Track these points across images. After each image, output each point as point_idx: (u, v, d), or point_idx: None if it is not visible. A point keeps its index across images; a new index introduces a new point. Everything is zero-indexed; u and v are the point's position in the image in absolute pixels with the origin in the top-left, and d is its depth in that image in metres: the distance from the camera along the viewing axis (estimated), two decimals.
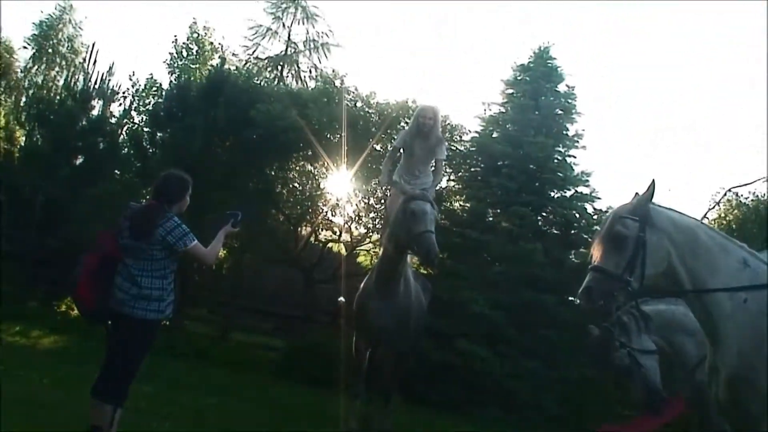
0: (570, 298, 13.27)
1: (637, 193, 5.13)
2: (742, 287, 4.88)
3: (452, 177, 15.84)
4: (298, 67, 28.25)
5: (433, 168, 9.29)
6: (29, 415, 6.20)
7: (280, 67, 27.94)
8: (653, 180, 5.00)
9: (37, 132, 17.27)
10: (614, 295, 4.89)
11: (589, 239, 13.91)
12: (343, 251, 16.77)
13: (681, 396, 6.79)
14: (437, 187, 10.47)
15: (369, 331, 8.35)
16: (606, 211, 13.91)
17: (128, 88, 18.69)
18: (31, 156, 16.24)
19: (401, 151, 9.29)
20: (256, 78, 18.19)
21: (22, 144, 18.60)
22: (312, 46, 28.30)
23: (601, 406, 12.76)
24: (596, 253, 5.04)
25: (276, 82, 24.06)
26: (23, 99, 24.46)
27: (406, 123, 11.82)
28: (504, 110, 15.37)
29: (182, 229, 5.63)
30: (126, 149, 16.88)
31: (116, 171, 16.37)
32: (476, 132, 15.38)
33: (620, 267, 4.83)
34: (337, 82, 15.79)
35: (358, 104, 15.00)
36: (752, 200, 18.40)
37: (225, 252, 16.10)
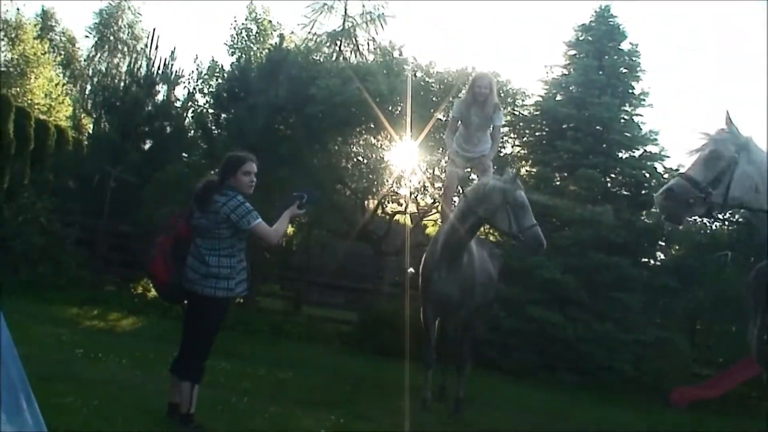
0: (643, 260, 13.13)
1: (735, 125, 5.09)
2: None
3: (517, 142, 15.72)
4: (356, 41, 28.15)
5: (491, 135, 9.25)
6: (110, 397, 6.34)
7: (338, 42, 27.89)
8: (727, 112, 4.99)
9: (104, 119, 17.60)
10: (690, 203, 4.87)
11: None
12: (410, 223, 16.78)
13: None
14: (496, 154, 10.41)
15: (435, 300, 8.35)
16: (677, 169, 13.69)
17: (192, 72, 18.91)
18: (100, 143, 16.54)
19: (459, 121, 9.24)
20: (315, 54, 18.22)
21: (90, 132, 18.97)
22: (369, 18, 28.16)
23: (678, 366, 12.62)
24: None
25: (335, 57, 24.04)
26: (88, 87, 24.97)
27: None
28: (567, 72, 15.19)
29: (245, 207, 5.66)
30: (192, 132, 17.10)
31: (183, 154, 16.59)
32: (540, 96, 15.24)
33: (707, 180, 4.82)
34: (396, 54, 15.72)
35: (418, 74, 14.92)
36: None
37: (293, 228, 16.25)
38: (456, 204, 8.42)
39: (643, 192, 14.22)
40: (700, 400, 11.85)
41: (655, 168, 14.27)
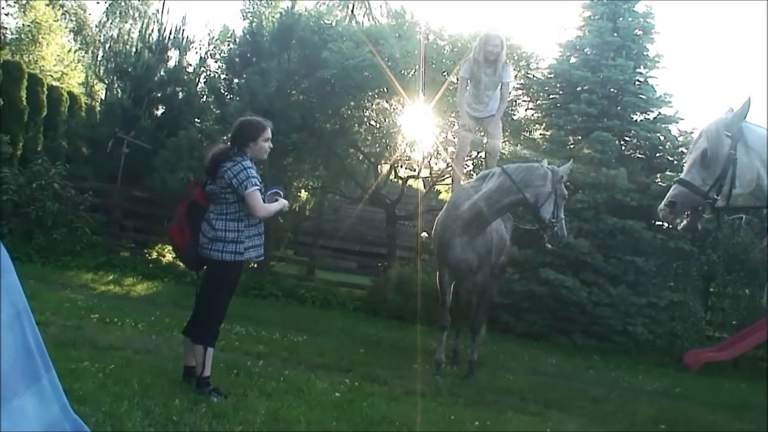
0: (657, 223, 13.11)
1: (731, 109, 4.98)
2: None
3: (530, 106, 15.63)
4: (369, 4, 28.04)
5: (500, 93, 9.27)
6: (126, 361, 6.40)
7: (350, 6, 27.76)
8: (749, 97, 4.82)
9: (117, 85, 17.58)
10: (699, 210, 4.83)
11: (675, 162, 13.68)
12: (423, 188, 16.77)
13: None
14: (508, 116, 10.44)
15: (453, 266, 8.39)
16: (691, 132, 13.62)
17: (203, 37, 18.83)
18: (112, 109, 16.54)
19: (468, 80, 9.24)
20: (326, 18, 18.11)
21: (103, 98, 18.96)
22: None
23: (691, 329, 12.64)
24: (687, 166, 4.97)
25: (347, 21, 23.90)
26: (100, 53, 24.91)
27: None
28: (582, 34, 15.01)
29: (247, 173, 5.67)
30: (204, 98, 17.07)
31: (196, 120, 16.58)
32: (554, 58, 15.09)
33: (707, 183, 4.73)
34: (408, 17, 15.60)
35: (431, 38, 14.81)
36: None
37: (306, 194, 16.28)
38: (490, 175, 8.39)
39: (658, 155, 14.17)
40: (713, 363, 11.87)
41: (670, 130, 14.18)
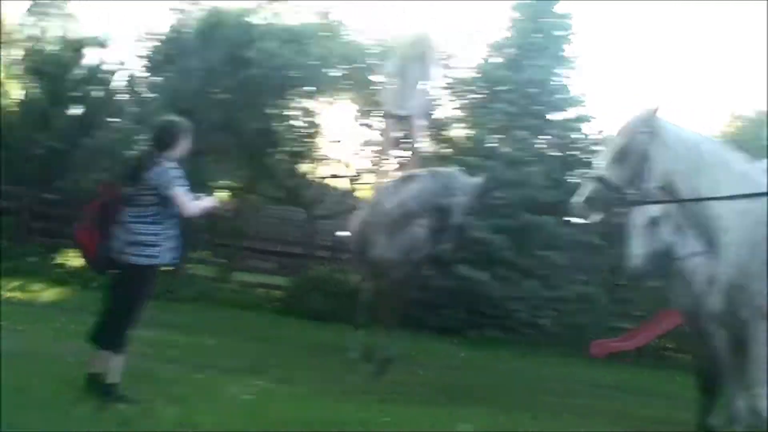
0: (568, 219, 13.38)
1: (643, 107, 5.12)
2: (738, 195, 4.90)
3: (454, 105, 15.75)
4: (294, 3, 27.81)
5: (425, 92, 9.42)
6: (31, 369, 6.29)
7: (276, 4, 27.50)
8: (662, 95, 4.99)
9: (33, 84, 17.16)
10: (612, 206, 5.03)
11: (588, 160, 13.92)
12: (345, 186, 16.77)
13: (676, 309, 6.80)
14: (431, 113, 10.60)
15: (373, 263, 8.48)
16: (602, 132, 14.00)
17: (123, 35, 18.53)
18: (28, 108, 16.15)
19: (396, 78, 9.37)
20: (250, 16, 17.98)
21: (20, 98, 18.50)
22: None
23: (598, 321, 13.00)
24: (603, 162, 5.09)
25: (272, 20, 23.72)
26: (17, 52, 24.29)
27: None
28: (507, 34, 15.15)
29: (170, 174, 5.63)
30: (123, 97, 16.78)
31: (114, 119, 16.29)
32: (481, 58, 15.25)
33: (623, 179, 4.88)
34: (333, 16, 15.60)
35: (356, 37, 14.85)
36: (756, 111, 18.20)
37: (227, 194, 16.12)
38: (415, 177, 8.54)
39: (572, 153, 14.50)
40: (618, 353, 12.23)
41: (583, 129, 14.49)
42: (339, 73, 14.26)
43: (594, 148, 13.94)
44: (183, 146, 5.87)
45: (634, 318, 13.63)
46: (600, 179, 4.96)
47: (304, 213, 16.32)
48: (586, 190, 5.01)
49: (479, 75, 15.11)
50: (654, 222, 6.18)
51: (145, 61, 16.71)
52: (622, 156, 4.93)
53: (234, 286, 14.66)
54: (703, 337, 6.11)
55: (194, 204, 5.79)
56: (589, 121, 14.49)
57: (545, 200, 13.23)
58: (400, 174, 10.26)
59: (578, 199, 5.03)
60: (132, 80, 16.36)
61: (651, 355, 12.84)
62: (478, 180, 8.40)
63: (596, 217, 5.11)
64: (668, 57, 42.62)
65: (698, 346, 6.42)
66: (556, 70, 14.77)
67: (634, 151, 4.89)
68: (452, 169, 8.93)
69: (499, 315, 12.93)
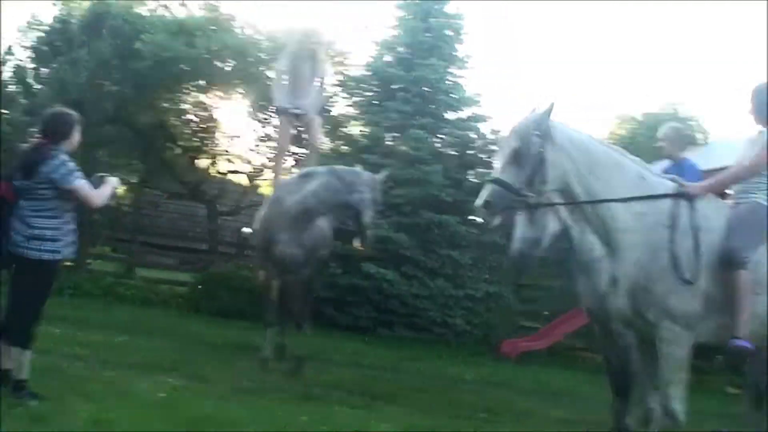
0: (470, 218, 13.63)
1: (534, 109, 5.19)
2: (633, 198, 5.03)
3: (348, 102, 15.79)
4: None
5: (318, 88, 9.44)
6: None
7: None
8: (553, 97, 5.06)
9: None
10: (513, 207, 5.05)
11: (486, 159, 14.25)
12: (245, 182, 16.64)
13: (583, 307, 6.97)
14: (324, 111, 10.63)
15: (278, 260, 8.41)
16: (499, 131, 14.28)
17: (11, 24, 17.82)
18: None
19: (287, 74, 9.35)
20: (138, 7, 17.56)
21: None
22: None
23: (506, 320, 13.24)
24: (497, 165, 5.08)
25: (160, 12, 23.23)
26: None
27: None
28: (396, 33, 15.28)
29: (67, 167, 5.51)
30: (11, 87, 16.14)
31: (3, 111, 15.65)
32: (370, 56, 15.32)
33: (520, 182, 4.89)
34: (224, 10, 15.40)
35: (248, 31, 14.69)
36: (643, 114, 18.89)
37: (124, 188, 15.75)
38: (314, 174, 8.50)
39: (470, 152, 14.69)
40: (528, 352, 12.46)
41: (479, 129, 14.75)
42: (230, 68, 14.05)
43: (491, 147, 14.28)
44: (75, 138, 5.75)
45: (543, 317, 13.91)
46: (497, 181, 4.94)
47: (204, 209, 16.08)
48: (485, 192, 4.96)
49: (370, 73, 15.15)
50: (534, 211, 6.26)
51: (30, 52, 16.10)
52: (516, 158, 4.92)
53: (137, 282, 14.27)
54: (611, 337, 6.31)
55: (99, 194, 5.73)
56: (485, 120, 14.75)
57: (445, 199, 13.40)
58: (298, 170, 10.25)
59: (478, 202, 4.98)
60: (19, 71, 15.73)
61: (562, 355, 13.08)
62: (379, 176, 8.45)
63: (497, 220, 5.09)
64: (560, 56, 43.92)
65: (608, 346, 6.59)
66: (449, 70, 14.96)
67: (529, 154, 4.90)
68: (352, 167, 8.95)
69: (409, 314, 13.01)
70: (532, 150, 4.89)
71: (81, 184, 5.57)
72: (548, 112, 5.03)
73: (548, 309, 13.80)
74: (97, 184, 5.78)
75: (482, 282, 13.67)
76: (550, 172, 4.92)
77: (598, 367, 8.70)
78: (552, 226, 6.46)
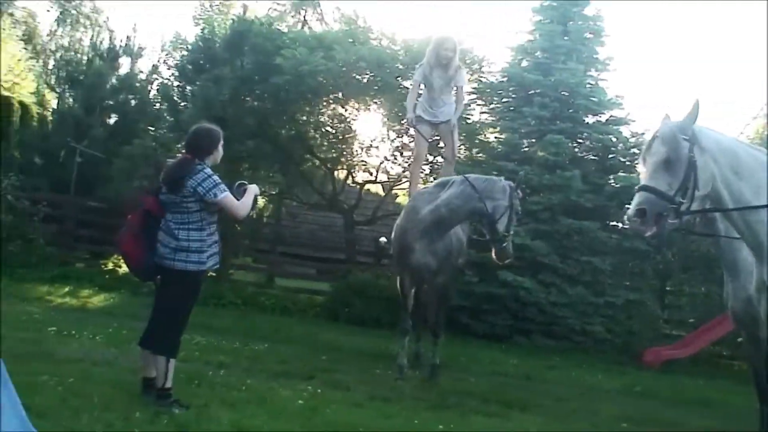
0: (612, 223, 13.30)
1: (666, 115, 5.01)
2: None
3: (484, 109, 15.71)
4: (321, 10, 27.95)
5: (455, 97, 9.36)
6: (85, 374, 6.30)
7: (303, 11, 27.66)
8: (697, 100, 4.84)
9: (68, 94, 17.38)
10: (664, 215, 4.69)
11: (627, 163, 13.89)
12: (381, 192, 16.80)
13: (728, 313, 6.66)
14: (462, 119, 10.52)
15: (413, 270, 8.42)
16: (642, 134, 13.85)
17: (155, 44, 18.75)
18: (64, 118, 16.32)
19: (421, 84, 9.34)
20: (279, 24, 18.06)
21: (55, 107, 18.71)
22: None
23: (648, 327, 12.83)
24: (644, 173, 4.87)
25: (299, 27, 23.85)
26: (51, 62, 24.56)
27: None
28: (533, 38, 15.13)
29: (212, 180, 5.65)
30: (157, 105, 16.93)
31: (149, 127, 16.44)
32: (506, 62, 15.20)
33: (673, 188, 4.67)
34: (361, 22, 15.62)
35: (384, 42, 14.83)
36: None
37: (264, 200, 16.22)
38: (450, 183, 8.48)
39: (610, 156, 14.34)
40: (671, 361, 12.04)
41: (621, 132, 14.36)
42: (367, 79, 14.21)
43: (633, 150, 13.89)
44: (218, 153, 5.91)
45: (688, 325, 13.45)
46: (649, 189, 4.71)
47: (342, 219, 16.35)
48: (637, 200, 4.72)
49: (507, 79, 15.02)
50: None
51: (174, 70, 16.83)
52: (667, 164, 4.70)
53: (276, 292, 14.64)
54: (757, 343, 6.00)
55: (243, 206, 5.86)
56: (627, 123, 14.35)
57: (585, 205, 13.12)
58: (434, 180, 10.22)
59: (630, 211, 4.73)
60: (164, 89, 16.46)
61: (706, 363, 12.58)
62: (512, 183, 8.30)
63: (651, 230, 4.75)
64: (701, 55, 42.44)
65: (754, 353, 6.29)
66: (589, 73, 14.69)
67: (679, 159, 4.68)
68: (488, 176, 8.87)
69: (547, 322, 12.80)
70: (682, 155, 4.69)
71: (226, 196, 5.71)
72: (694, 115, 4.83)
73: (693, 316, 13.29)
74: (238, 192, 5.94)
75: (623, 289, 13.28)
76: (700, 177, 4.73)
77: (744, 375, 8.32)
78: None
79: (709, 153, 4.78)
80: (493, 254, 8.23)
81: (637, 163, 12.57)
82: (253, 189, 6.03)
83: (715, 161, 4.79)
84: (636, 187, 4.85)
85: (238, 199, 5.86)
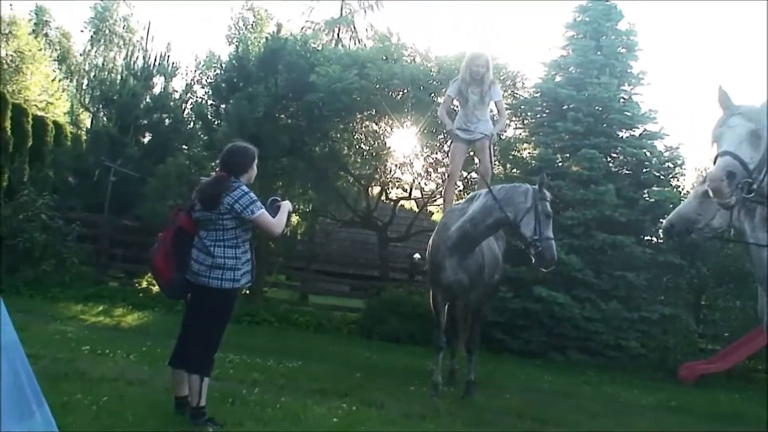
0: (646, 238, 13.16)
1: (721, 87, 4.86)
2: None
3: (518, 125, 15.68)
4: (355, 28, 28.14)
5: (492, 112, 9.33)
6: (119, 393, 6.32)
7: (336, 30, 27.86)
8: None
9: (102, 113, 17.59)
10: (740, 188, 4.54)
11: (661, 177, 13.83)
12: (415, 208, 16.77)
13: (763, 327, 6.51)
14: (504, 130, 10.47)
15: (446, 286, 8.36)
16: (677, 148, 13.79)
17: (189, 63, 18.99)
18: (99, 138, 16.52)
19: (455, 100, 9.33)
20: (313, 42, 18.17)
21: (89, 126, 18.96)
22: (366, 5, 28.15)
23: (683, 342, 12.69)
24: (725, 141, 4.69)
25: (333, 45, 23.99)
26: (85, 82, 24.92)
27: None
28: (566, 53, 15.12)
29: (249, 197, 5.65)
30: (191, 124, 17.07)
31: (183, 146, 16.57)
32: (539, 78, 15.18)
33: (754, 161, 4.56)
34: (394, 39, 15.65)
35: (417, 59, 14.84)
36: None
37: (297, 218, 16.25)
38: (477, 196, 8.40)
39: (645, 171, 14.27)
40: (707, 375, 11.88)
41: (655, 146, 14.27)
42: (401, 96, 14.22)
43: (668, 164, 13.78)
44: (253, 171, 5.91)
45: (722, 339, 13.28)
46: (734, 156, 4.53)
47: (375, 236, 16.34)
48: (724, 163, 4.53)
49: (540, 94, 14.98)
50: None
51: (208, 89, 16.96)
52: (752, 139, 4.59)
53: (310, 309, 14.66)
54: None
55: (279, 223, 5.85)
56: (662, 137, 14.27)
57: (619, 219, 13.03)
58: (468, 195, 10.17)
59: (718, 172, 4.52)
60: (198, 107, 16.58)
61: (741, 378, 12.40)
62: (536, 186, 8.09)
63: (732, 196, 4.54)
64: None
65: None
66: (623, 87, 14.62)
67: (763, 137, 4.59)
68: (512, 183, 8.74)
69: (582, 337, 12.72)
70: (764, 135, 4.60)
71: (262, 214, 5.71)
72: None
73: (728, 330, 13.11)
74: (272, 208, 5.93)
75: (658, 304, 13.18)
76: None
77: None
78: (717, 220, 6.11)
79: None
80: (534, 261, 7.95)
81: (671, 177, 12.45)
82: (286, 206, 6.03)
83: None
84: (719, 151, 4.67)
85: (272, 215, 5.85)
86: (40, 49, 29.28)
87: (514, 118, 15.51)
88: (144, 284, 14.65)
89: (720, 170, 4.46)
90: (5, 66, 27.61)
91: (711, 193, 4.65)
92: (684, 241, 5.61)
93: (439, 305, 8.55)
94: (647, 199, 13.82)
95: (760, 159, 4.55)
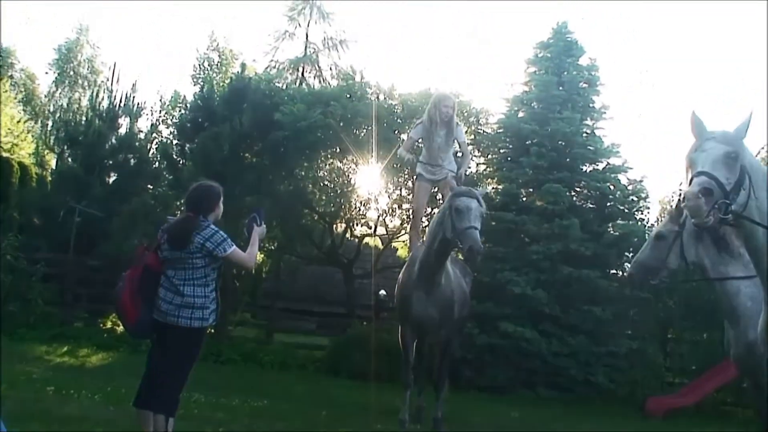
0: (611, 272, 13.26)
1: (693, 112, 4.88)
2: None
3: (482, 161, 15.81)
4: (319, 67, 28.31)
5: (457, 152, 9.37)
6: None
7: (300, 69, 28.01)
8: (751, 112, 4.77)
9: (68, 154, 17.52)
10: (716, 207, 4.40)
11: (625, 210, 13.93)
12: (380, 245, 16.80)
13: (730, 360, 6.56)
14: (467, 170, 10.51)
15: (414, 322, 8.34)
16: (641, 181, 13.95)
17: (154, 104, 18.96)
18: (64, 178, 16.44)
19: (419, 141, 9.36)
20: (277, 81, 18.27)
21: (54, 167, 18.86)
22: (330, 44, 28.37)
23: (651, 376, 12.75)
24: (700, 164, 4.58)
25: (298, 84, 24.14)
26: (50, 123, 24.81)
27: None
28: (528, 89, 15.28)
29: (220, 235, 5.64)
30: (156, 163, 17.04)
31: (149, 186, 16.53)
32: (502, 113, 15.33)
33: (729, 183, 4.47)
34: (358, 78, 15.79)
35: (381, 97, 14.98)
36: None
37: (263, 255, 16.21)
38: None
39: (608, 204, 14.41)
40: (675, 409, 11.94)
41: (619, 180, 14.43)
42: (364, 134, 14.32)
43: (632, 198, 13.96)
44: (219, 210, 5.90)
45: (689, 372, 13.37)
46: (710, 175, 4.44)
47: (340, 272, 16.33)
48: (700, 181, 4.41)
49: (503, 130, 15.14)
50: (660, 236, 6.33)
51: (173, 129, 16.98)
52: (728, 161, 4.52)
53: (275, 347, 14.58)
54: (760, 390, 5.91)
55: (250, 255, 5.84)
56: (625, 171, 14.43)
57: (585, 253, 13.11)
58: None
59: (694, 189, 4.38)
60: (164, 147, 16.59)
61: (710, 411, 12.45)
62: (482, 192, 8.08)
63: (710, 216, 4.40)
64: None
65: (760, 399, 6.18)
66: (585, 122, 14.81)
67: (737, 159, 4.54)
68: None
69: (551, 372, 12.75)
70: (740, 156, 4.56)
71: (234, 250, 5.68)
72: (748, 123, 4.75)
73: (695, 363, 13.21)
74: (249, 226, 5.94)
75: (625, 338, 13.25)
76: (755, 186, 4.62)
77: (749, 421, 8.19)
78: (672, 259, 6.21)
79: (749, 165, 4.66)
80: (464, 256, 7.83)
81: (636, 210, 12.53)
82: (259, 232, 6.01)
83: (755, 176, 4.67)
84: (694, 172, 4.56)
85: (252, 227, 5.88)
86: (5, 91, 29.11)
87: (477, 154, 15.64)
88: (109, 324, 14.52)
89: (696, 187, 4.40)
90: None
91: (688, 213, 4.64)
92: (647, 288, 5.72)
93: (408, 341, 8.52)
94: (612, 232, 13.96)
95: (736, 181, 4.51)
